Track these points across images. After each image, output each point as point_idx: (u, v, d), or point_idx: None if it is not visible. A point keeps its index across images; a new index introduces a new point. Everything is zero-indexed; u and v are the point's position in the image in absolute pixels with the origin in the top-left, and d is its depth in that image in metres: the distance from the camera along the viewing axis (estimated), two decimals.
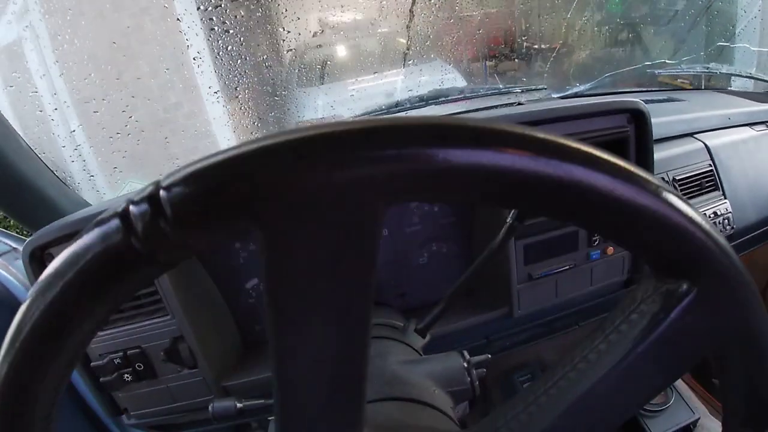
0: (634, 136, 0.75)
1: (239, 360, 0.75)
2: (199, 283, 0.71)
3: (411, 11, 1.35)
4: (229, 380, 0.70)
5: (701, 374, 1.18)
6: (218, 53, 1.16)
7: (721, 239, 0.21)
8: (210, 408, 0.53)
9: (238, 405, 0.53)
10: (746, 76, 1.09)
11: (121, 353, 0.65)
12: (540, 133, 0.19)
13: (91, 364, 0.65)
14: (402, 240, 0.81)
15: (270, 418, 0.52)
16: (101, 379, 0.65)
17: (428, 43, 1.40)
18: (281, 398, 0.23)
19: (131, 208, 0.18)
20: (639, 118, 0.74)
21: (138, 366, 0.66)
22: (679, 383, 1.04)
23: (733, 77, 1.14)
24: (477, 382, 0.48)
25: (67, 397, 0.80)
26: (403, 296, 0.85)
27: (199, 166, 0.17)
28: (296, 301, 0.20)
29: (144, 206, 0.18)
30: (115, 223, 0.18)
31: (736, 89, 1.15)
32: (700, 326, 0.22)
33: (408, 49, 1.40)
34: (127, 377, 0.66)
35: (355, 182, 0.17)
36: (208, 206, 0.17)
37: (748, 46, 1.08)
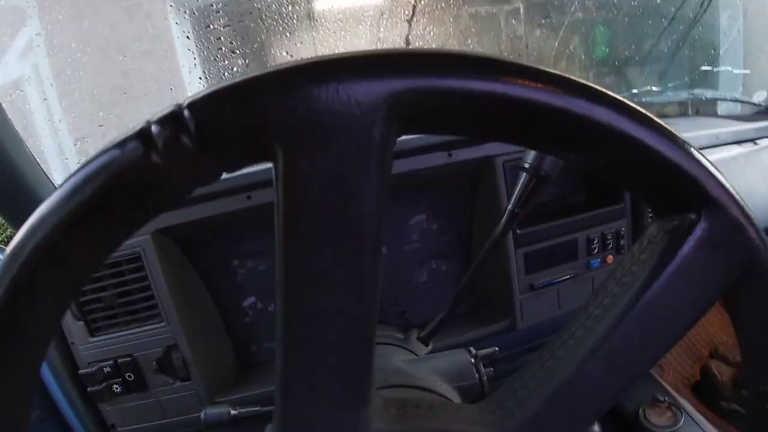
0: None
1: (233, 379, 0.73)
2: (197, 294, 0.69)
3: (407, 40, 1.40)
4: (222, 396, 0.68)
5: (709, 398, 1.15)
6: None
7: (721, 176, 0.22)
8: (202, 414, 0.51)
9: (232, 412, 0.51)
10: (731, 100, 1.13)
11: (111, 362, 0.62)
12: (546, 68, 0.19)
13: (79, 371, 0.62)
14: (401, 258, 0.80)
15: None
16: (89, 389, 0.62)
17: None
18: (285, 344, 0.22)
19: (152, 126, 0.18)
20: None
21: (128, 376, 0.63)
22: (687, 406, 1.00)
23: (719, 102, 1.18)
24: (485, 378, 0.46)
25: (49, 416, 0.76)
26: (404, 314, 0.83)
27: (221, 86, 0.18)
28: (309, 225, 0.19)
29: (165, 124, 0.18)
30: (133, 141, 0.18)
31: (724, 114, 1.19)
32: (711, 259, 0.22)
33: None
34: (116, 388, 0.63)
35: (367, 104, 0.18)
36: (232, 121, 0.18)
37: (730, 69, 1.13)
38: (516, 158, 0.70)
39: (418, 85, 0.18)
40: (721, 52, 1.13)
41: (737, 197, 0.22)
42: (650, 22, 1.11)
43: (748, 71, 1.12)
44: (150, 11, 1.58)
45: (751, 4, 1.11)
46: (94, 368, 0.62)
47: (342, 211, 0.19)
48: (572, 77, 0.19)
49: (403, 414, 0.25)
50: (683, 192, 0.21)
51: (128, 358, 0.63)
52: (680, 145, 0.21)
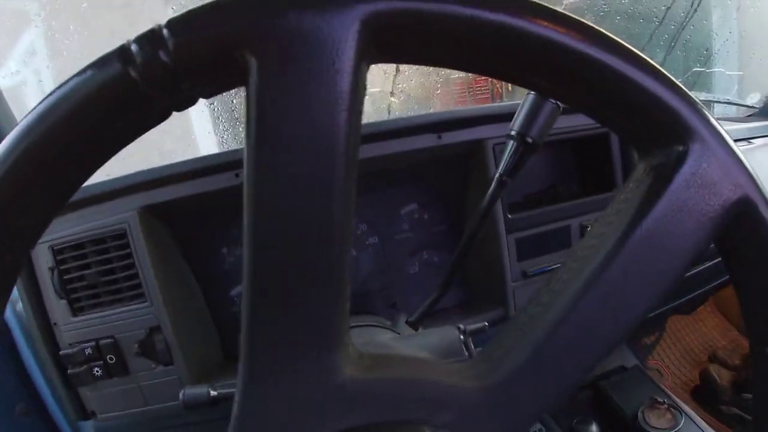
0: None
1: (218, 368, 0.71)
2: (183, 277, 0.68)
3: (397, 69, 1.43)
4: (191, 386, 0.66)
5: (708, 403, 1.13)
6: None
7: (706, 110, 0.21)
8: (181, 394, 0.50)
9: (212, 393, 0.49)
10: (725, 102, 1.13)
11: (92, 343, 0.61)
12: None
13: (60, 352, 0.61)
14: (392, 248, 0.80)
15: None
16: (69, 371, 0.60)
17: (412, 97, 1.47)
18: (250, 278, 0.20)
19: (131, 45, 0.18)
20: None
21: (109, 359, 0.61)
22: (687, 409, 0.98)
23: (713, 104, 1.18)
24: (475, 354, 0.45)
25: (32, 408, 0.74)
26: (394, 306, 0.82)
27: (200, 6, 0.18)
28: (276, 143, 0.19)
29: (144, 41, 0.18)
30: (112, 58, 0.18)
31: (719, 116, 1.19)
32: (702, 197, 0.21)
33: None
34: (97, 372, 0.61)
35: (340, 24, 0.18)
36: (208, 37, 0.18)
37: (723, 70, 1.14)
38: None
39: (393, 7, 0.18)
40: (713, 52, 1.14)
41: (723, 132, 0.21)
42: (641, 21, 1.13)
43: (741, 73, 1.13)
44: (152, 16, 1.61)
45: (743, 7, 1.13)
46: (75, 349, 0.61)
47: (310, 130, 0.19)
48: (556, 9, 0.19)
49: (378, 364, 0.23)
50: (665, 125, 0.21)
51: (110, 340, 0.61)
52: (658, 74, 0.20)
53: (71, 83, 0.18)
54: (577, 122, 0.73)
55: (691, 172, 0.20)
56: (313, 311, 0.21)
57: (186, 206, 0.63)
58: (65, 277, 0.61)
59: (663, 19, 1.06)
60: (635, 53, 0.20)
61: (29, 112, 0.19)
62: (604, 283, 0.21)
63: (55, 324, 0.62)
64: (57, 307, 0.62)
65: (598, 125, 0.74)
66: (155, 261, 0.60)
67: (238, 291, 0.74)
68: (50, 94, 0.19)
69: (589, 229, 0.23)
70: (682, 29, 1.07)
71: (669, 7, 1.05)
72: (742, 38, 1.12)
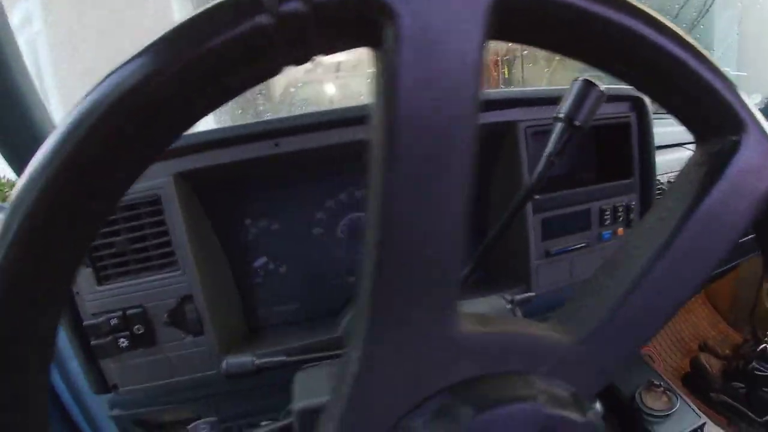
0: (636, 123, 0.79)
1: (243, 340, 0.70)
2: (213, 246, 0.67)
3: None
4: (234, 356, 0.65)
5: (698, 390, 1.18)
6: None
7: (754, 107, 0.24)
8: (224, 364, 0.49)
9: (256, 362, 0.49)
10: None
11: (119, 313, 0.59)
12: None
13: (84, 323, 0.59)
14: None
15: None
16: (92, 342, 0.59)
17: None
18: (380, 237, 0.20)
19: None
20: (640, 107, 0.79)
21: (137, 329, 0.60)
22: (682, 393, 1.02)
23: None
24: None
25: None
26: None
27: None
28: (408, 117, 0.19)
29: None
30: (244, 2, 0.17)
31: None
32: (748, 183, 0.24)
33: None
34: (123, 342, 0.60)
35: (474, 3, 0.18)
36: None
37: (728, 70, 1.17)
38: (538, 125, 0.71)
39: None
40: (718, 54, 1.18)
41: (765, 125, 0.24)
42: None
43: (745, 74, 1.17)
44: None
45: (749, 11, 1.17)
46: (100, 319, 0.59)
47: (444, 98, 0.19)
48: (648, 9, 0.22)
49: (482, 321, 0.25)
50: (723, 118, 0.24)
51: (138, 309, 0.60)
52: (720, 74, 0.23)
53: (199, 18, 0.17)
54: (601, 112, 0.75)
55: (743, 158, 0.24)
56: (437, 268, 0.21)
57: (220, 174, 0.62)
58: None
59: (676, 17, 1.09)
60: (706, 55, 0.23)
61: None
62: (675, 250, 0.24)
63: (77, 293, 0.61)
64: (81, 276, 0.60)
65: (620, 116, 0.77)
66: (189, 229, 0.59)
67: (261, 262, 0.73)
68: (167, 34, 0.17)
69: (659, 203, 0.27)
70: (692, 28, 1.11)
71: (682, 6, 1.09)
72: (746, 41, 1.16)
